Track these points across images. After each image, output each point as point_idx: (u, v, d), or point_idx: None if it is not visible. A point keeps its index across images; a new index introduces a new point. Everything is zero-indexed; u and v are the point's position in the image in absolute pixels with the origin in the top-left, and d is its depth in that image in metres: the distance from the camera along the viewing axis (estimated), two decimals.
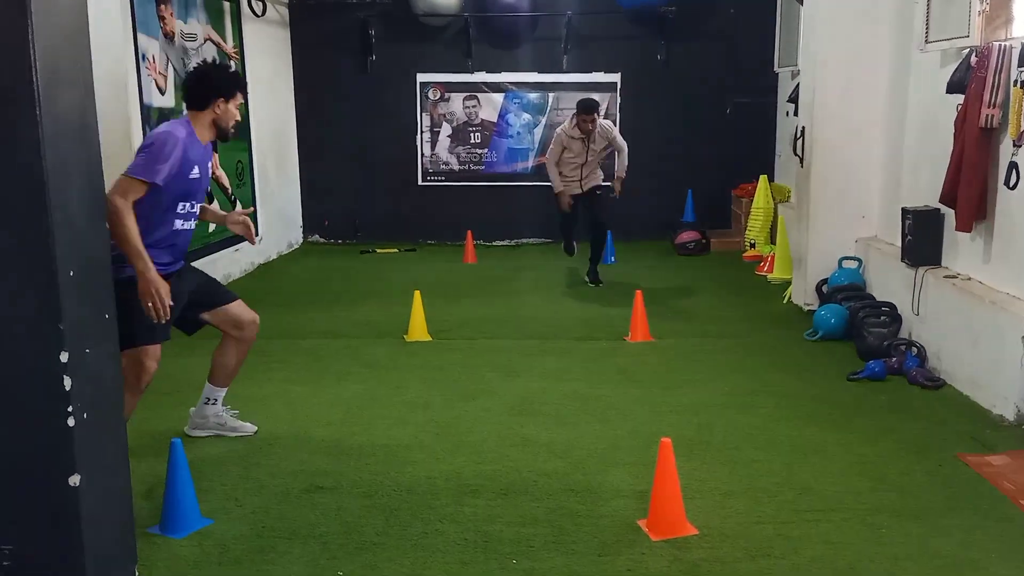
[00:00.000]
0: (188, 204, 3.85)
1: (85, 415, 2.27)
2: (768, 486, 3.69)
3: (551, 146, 7.73)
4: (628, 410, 4.68)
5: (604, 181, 7.81)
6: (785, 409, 4.67)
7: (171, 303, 3.59)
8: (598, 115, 7.60)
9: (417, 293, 6.23)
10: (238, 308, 4.17)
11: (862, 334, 5.57)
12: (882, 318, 5.60)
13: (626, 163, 7.76)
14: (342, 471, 3.89)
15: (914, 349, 5.26)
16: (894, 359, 5.21)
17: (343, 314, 6.95)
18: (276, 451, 4.13)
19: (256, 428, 4.36)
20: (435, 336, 6.20)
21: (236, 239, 8.37)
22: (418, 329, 6.18)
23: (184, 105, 3.97)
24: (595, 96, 9.92)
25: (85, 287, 2.28)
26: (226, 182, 8.15)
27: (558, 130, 7.73)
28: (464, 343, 6.07)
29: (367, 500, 3.60)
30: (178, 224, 3.83)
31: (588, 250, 7.95)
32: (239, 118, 4.01)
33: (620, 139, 7.71)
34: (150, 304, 3.52)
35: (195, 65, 3.89)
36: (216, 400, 4.32)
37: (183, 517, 3.32)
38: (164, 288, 3.56)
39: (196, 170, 3.81)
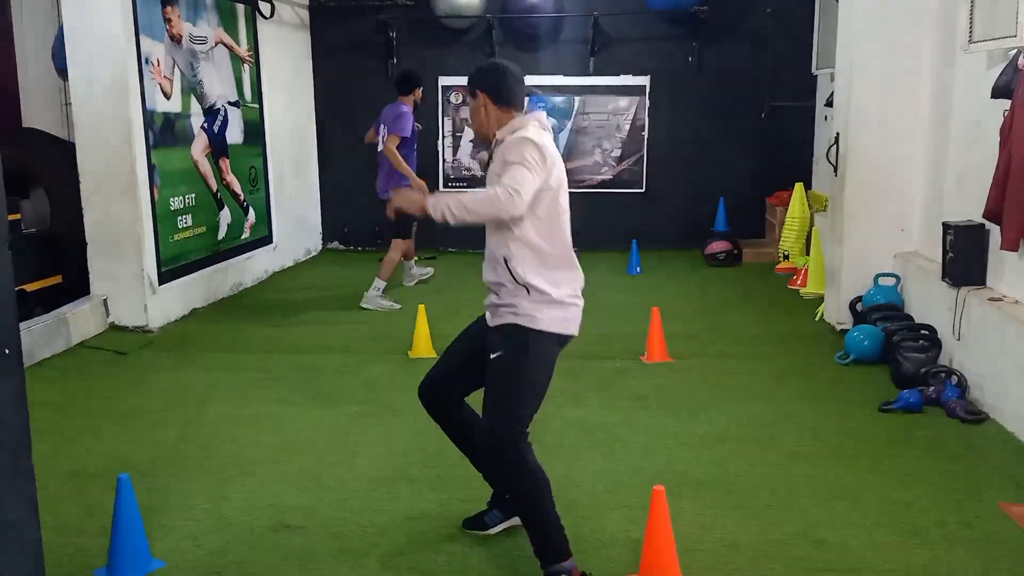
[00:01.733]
0: (415, 146, 7.42)
1: None
2: (781, 537, 3.31)
3: None
4: (635, 442, 4.32)
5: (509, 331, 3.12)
6: (809, 444, 4.28)
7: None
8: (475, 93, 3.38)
9: (422, 307, 5.93)
10: None
11: (897, 359, 5.13)
12: (920, 342, 5.15)
13: (480, 208, 2.98)
14: (316, 507, 3.60)
15: (954, 378, 4.82)
16: (932, 388, 4.77)
17: (349, 327, 6.67)
18: (250, 482, 3.85)
19: (431, 270, 8.45)
20: (440, 352, 5.87)
21: (248, 247, 8.17)
22: (422, 345, 5.88)
23: (397, 90, 7.36)
24: (623, 100, 9.62)
25: None
26: (238, 188, 7.94)
27: None
28: None
29: (335, 542, 3.29)
30: (413, 157, 7.37)
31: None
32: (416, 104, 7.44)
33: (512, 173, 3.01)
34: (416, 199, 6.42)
35: (402, 69, 7.83)
36: (412, 265, 8.17)
37: (130, 559, 3.04)
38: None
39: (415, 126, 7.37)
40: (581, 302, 3.20)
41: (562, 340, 3.16)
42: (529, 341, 3.04)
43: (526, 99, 3.41)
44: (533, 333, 3.04)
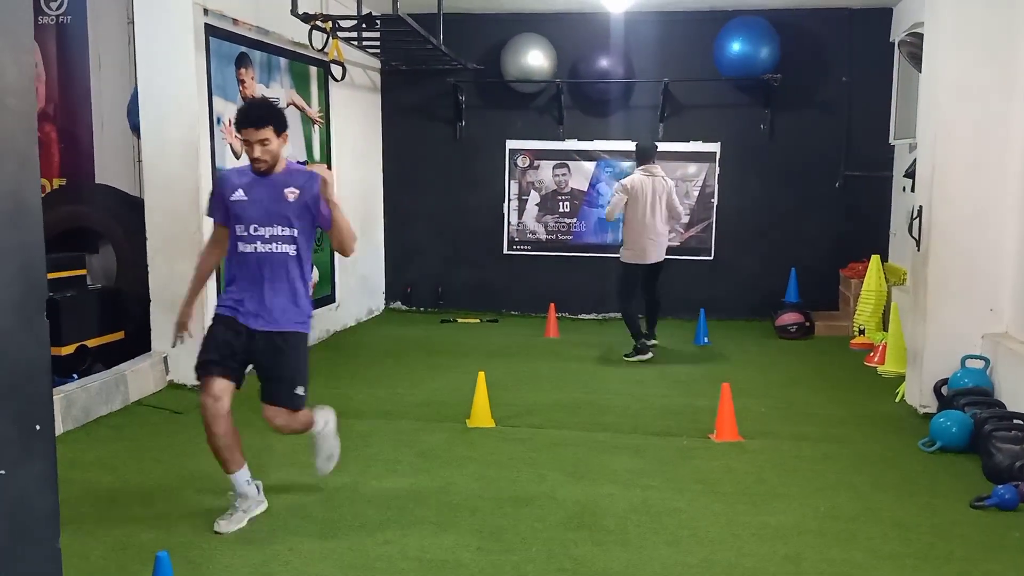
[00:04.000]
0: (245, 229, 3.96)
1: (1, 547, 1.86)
2: None
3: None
4: (704, 531, 4.04)
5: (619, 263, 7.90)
6: (894, 542, 3.94)
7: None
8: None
9: (481, 375, 5.76)
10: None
11: (989, 450, 4.76)
12: (1014, 432, 4.78)
13: (606, 212, 7.90)
14: None
15: None
16: None
17: (407, 392, 6.53)
18: (294, 559, 3.68)
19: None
20: (499, 422, 5.70)
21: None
22: (481, 414, 5.69)
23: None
24: (692, 167, 9.46)
25: (7, 397, 1.89)
26: None
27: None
28: (529, 432, 5.54)
29: None
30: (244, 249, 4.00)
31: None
32: (253, 154, 3.91)
33: (611, 200, 7.85)
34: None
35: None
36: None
37: None
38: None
39: (238, 194, 3.98)
40: (649, 246, 7.49)
41: (641, 266, 7.55)
42: (622, 268, 7.63)
43: (650, 159, 7.65)
44: (624, 264, 7.60)
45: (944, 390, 5.72)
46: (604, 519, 4.16)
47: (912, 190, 7.20)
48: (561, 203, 9.77)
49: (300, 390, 4.03)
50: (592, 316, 9.86)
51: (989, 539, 3.97)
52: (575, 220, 9.77)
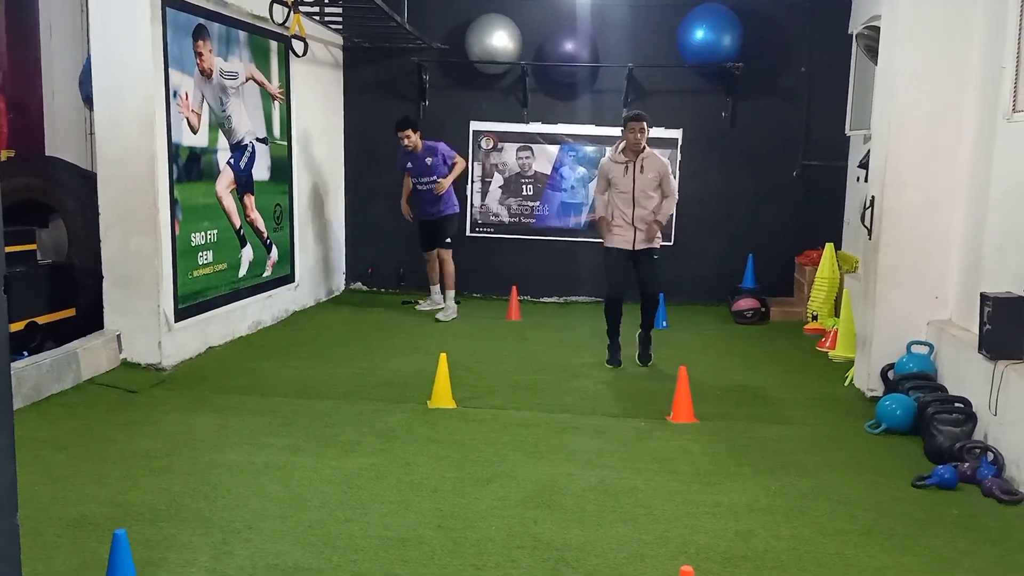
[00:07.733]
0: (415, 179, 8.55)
1: None
2: None
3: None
4: (659, 508, 4.13)
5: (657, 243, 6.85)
6: (840, 519, 4.07)
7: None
8: (648, 125, 6.77)
9: (443, 356, 5.79)
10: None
11: (931, 432, 4.93)
12: (954, 416, 4.95)
13: (671, 211, 6.96)
14: (321, 568, 3.43)
15: (990, 455, 4.61)
16: (967, 464, 4.57)
17: (367, 372, 6.54)
18: (255, 538, 3.69)
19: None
20: (460, 403, 5.75)
21: (269, 285, 8.09)
22: (442, 395, 5.73)
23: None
24: (657, 152, 9.52)
25: None
26: (261, 225, 7.88)
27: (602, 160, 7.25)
28: (490, 414, 5.59)
29: None
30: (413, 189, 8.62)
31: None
32: (405, 144, 8.38)
33: (672, 184, 6.86)
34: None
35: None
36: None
37: None
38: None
39: (409, 164, 8.55)
40: (621, 231, 6.78)
41: (621, 250, 6.80)
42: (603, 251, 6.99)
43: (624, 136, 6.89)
44: (604, 248, 6.95)
45: (890, 374, 5.88)
46: (563, 498, 4.23)
47: (865, 180, 7.36)
48: (524, 186, 9.79)
49: (447, 240, 8.63)
50: (554, 299, 9.92)
51: (929, 516, 4.13)
52: (538, 203, 9.80)
